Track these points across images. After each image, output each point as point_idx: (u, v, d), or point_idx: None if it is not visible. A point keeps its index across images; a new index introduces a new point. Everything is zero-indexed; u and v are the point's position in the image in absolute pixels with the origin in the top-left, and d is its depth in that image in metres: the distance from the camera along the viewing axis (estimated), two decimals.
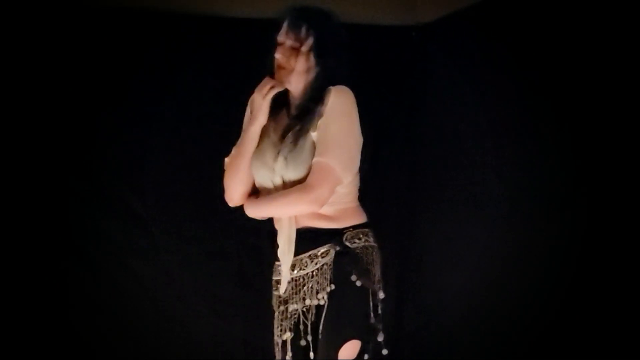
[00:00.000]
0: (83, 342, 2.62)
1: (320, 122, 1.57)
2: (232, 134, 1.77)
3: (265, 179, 1.66)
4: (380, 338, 1.61)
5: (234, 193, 1.73)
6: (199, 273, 2.70)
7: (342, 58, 1.67)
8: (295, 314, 1.63)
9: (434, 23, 2.80)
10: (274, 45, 1.66)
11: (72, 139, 2.58)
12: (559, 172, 2.18)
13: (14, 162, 2.49)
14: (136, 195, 2.66)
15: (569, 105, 2.12)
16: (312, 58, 1.63)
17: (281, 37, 1.65)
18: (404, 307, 2.93)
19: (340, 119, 1.58)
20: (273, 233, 1.77)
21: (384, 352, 1.62)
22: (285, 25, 1.65)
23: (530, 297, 2.30)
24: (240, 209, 1.81)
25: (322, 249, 1.63)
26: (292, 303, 1.64)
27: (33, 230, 2.54)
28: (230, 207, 1.78)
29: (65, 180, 2.59)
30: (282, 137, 1.63)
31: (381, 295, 1.64)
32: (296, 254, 1.64)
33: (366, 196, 1.83)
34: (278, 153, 1.61)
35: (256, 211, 1.71)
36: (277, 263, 1.71)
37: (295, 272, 1.64)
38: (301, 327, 1.61)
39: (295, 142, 1.59)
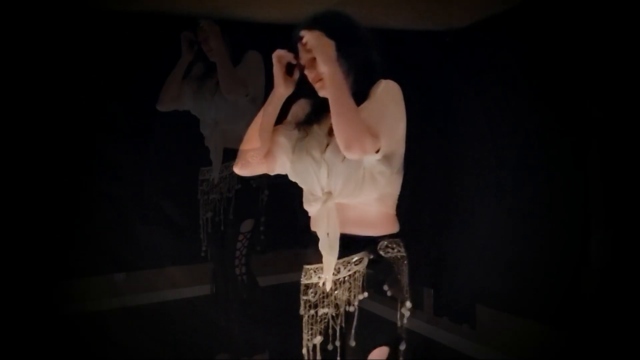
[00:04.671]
0: (121, 347, 2.66)
1: (365, 104, 1.55)
2: None
3: (310, 173, 1.64)
4: (402, 347, 1.62)
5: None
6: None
7: (372, 56, 1.65)
8: (325, 317, 1.64)
9: (467, 28, 2.80)
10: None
11: (108, 147, 2.64)
12: (596, 179, 2.15)
13: (51, 169, 2.55)
14: (171, 202, 2.70)
15: (604, 109, 2.09)
16: (342, 63, 1.57)
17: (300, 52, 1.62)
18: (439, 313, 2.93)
19: (390, 103, 1.56)
20: (310, 237, 1.77)
21: None
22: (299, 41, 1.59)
23: (565, 302, 2.29)
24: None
25: (356, 257, 1.63)
26: (323, 307, 1.64)
27: (70, 237, 2.60)
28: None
29: (102, 188, 2.64)
30: (330, 133, 1.62)
31: (408, 304, 1.64)
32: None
33: (400, 205, 1.82)
34: (327, 146, 1.61)
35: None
36: (307, 267, 1.72)
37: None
38: (330, 331, 1.62)
39: None
